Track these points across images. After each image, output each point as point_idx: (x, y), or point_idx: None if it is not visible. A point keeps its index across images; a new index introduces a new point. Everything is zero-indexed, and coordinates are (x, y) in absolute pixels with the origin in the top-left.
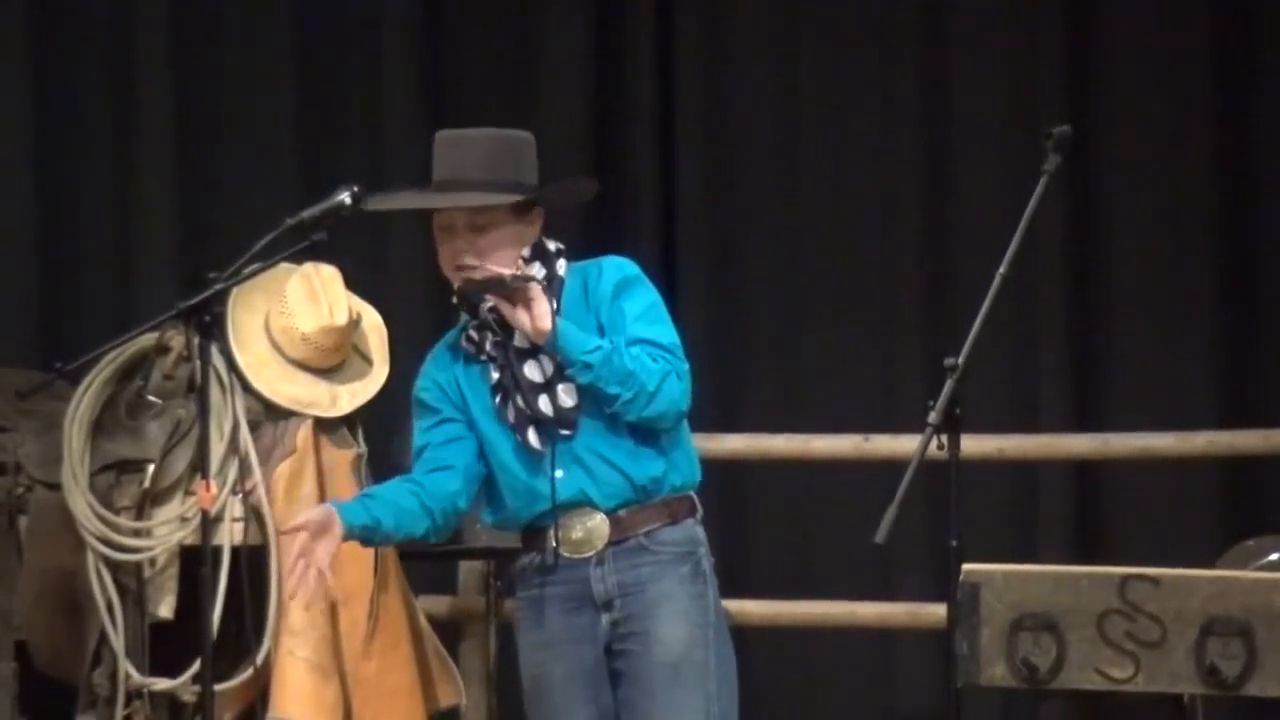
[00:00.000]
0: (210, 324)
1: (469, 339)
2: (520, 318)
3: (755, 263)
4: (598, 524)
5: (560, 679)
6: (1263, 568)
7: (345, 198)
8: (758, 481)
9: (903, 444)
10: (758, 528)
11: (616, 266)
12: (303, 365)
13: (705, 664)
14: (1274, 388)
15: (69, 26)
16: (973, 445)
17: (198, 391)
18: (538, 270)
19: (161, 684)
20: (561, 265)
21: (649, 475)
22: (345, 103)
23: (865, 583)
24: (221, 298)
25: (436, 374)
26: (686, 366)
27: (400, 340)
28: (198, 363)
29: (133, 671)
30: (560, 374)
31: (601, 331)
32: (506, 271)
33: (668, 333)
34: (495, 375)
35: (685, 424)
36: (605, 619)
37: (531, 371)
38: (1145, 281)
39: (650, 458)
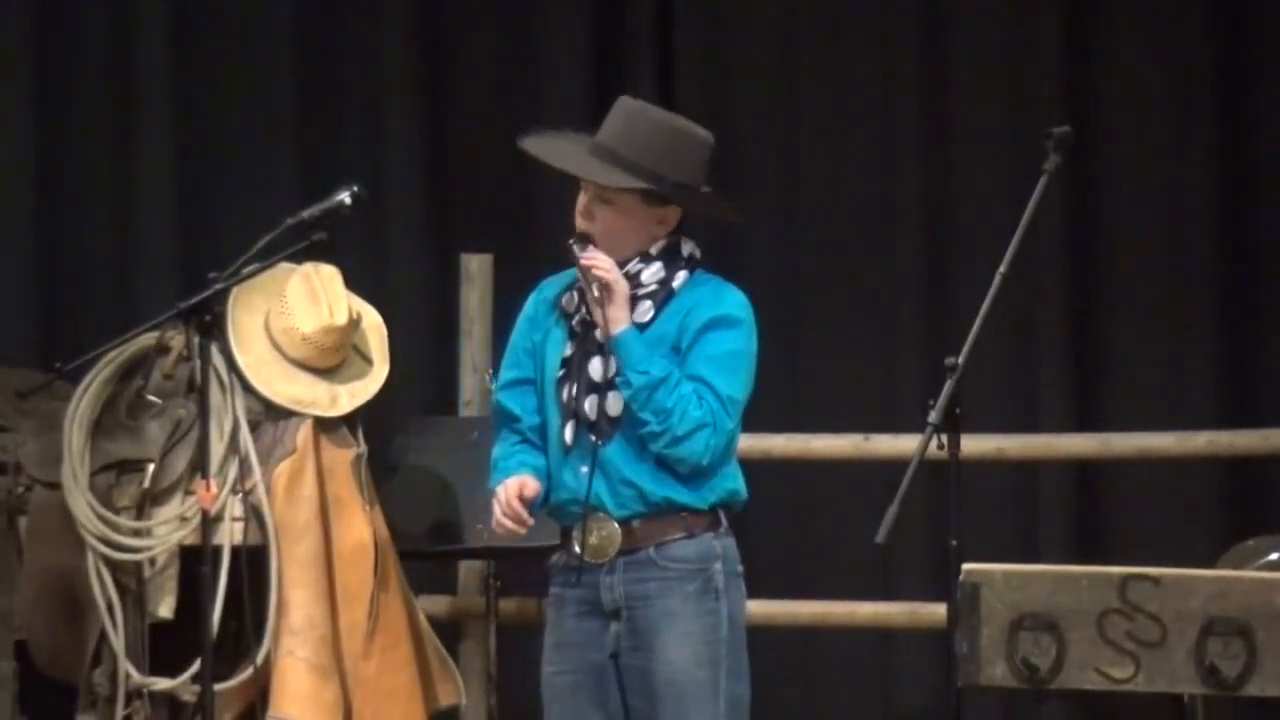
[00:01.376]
0: (210, 324)
1: (569, 299)
2: (595, 311)
3: (755, 263)
4: (612, 532)
5: (568, 682)
6: (1263, 568)
7: (345, 198)
8: (758, 481)
9: (903, 444)
10: (758, 528)
11: (728, 303)
12: (303, 365)
13: (713, 682)
14: (1274, 388)
15: (69, 27)
16: (973, 445)
17: (198, 391)
18: (656, 272)
19: (161, 684)
20: (681, 276)
21: (664, 495)
22: (345, 103)
23: (865, 583)
24: (221, 298)
25: (534, 311)
26: (731, 425)
27: (400, 340)
28: (198, 363)
29: (133, 671)
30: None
31: (677, 351)
32: (602, 269)
33: (730, 385)
34: (569, 351)
35: (734, 441)
36: (614, 627)
37: (594, 367)
38: (1145, 281)
39: (671, 480)
